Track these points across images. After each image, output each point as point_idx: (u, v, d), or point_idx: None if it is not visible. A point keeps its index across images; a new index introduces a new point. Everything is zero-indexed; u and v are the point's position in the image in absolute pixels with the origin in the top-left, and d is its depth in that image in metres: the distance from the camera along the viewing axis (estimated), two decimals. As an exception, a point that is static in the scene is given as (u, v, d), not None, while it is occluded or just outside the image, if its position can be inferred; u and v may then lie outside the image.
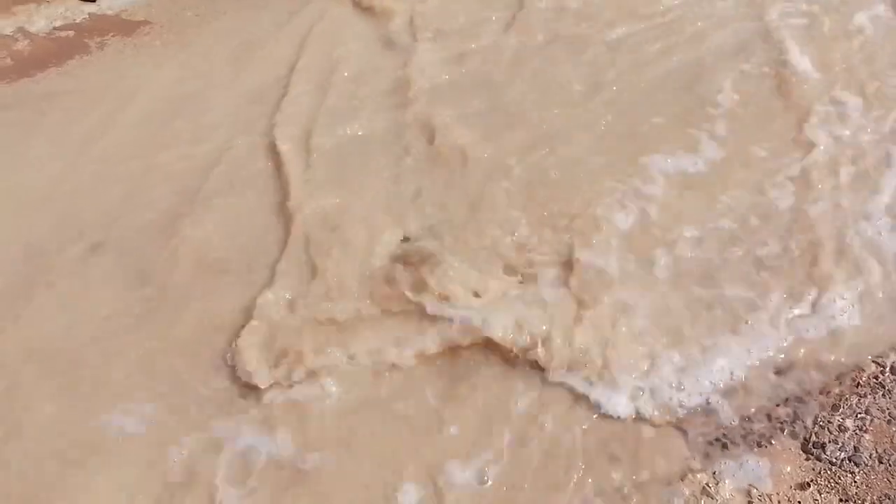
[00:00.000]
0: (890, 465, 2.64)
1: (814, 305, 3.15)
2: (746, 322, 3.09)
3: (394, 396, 2.94)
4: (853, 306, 3.14)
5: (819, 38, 4.56)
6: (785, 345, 3.01)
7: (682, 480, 2.64)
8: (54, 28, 5.23)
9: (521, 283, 3.25)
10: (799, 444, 2.73)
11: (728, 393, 2.87)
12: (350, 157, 3.96)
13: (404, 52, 4.69)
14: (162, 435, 2.86)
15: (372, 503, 2.64)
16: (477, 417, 2.85)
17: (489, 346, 3.01)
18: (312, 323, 3.15)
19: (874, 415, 2.79)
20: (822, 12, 4.73)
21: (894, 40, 4.52)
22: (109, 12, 5.40)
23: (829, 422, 2.77)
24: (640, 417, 2.81)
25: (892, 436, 2.72)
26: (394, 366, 3.02)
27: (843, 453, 2.68)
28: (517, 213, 3.56)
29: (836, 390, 2.87)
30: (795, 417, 2.80)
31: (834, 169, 3.72)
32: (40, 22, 5.27)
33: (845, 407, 2.82)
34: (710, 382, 2.90)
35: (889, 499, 2.55)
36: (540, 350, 2.98)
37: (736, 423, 2.80)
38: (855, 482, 2.60)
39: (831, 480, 2.61)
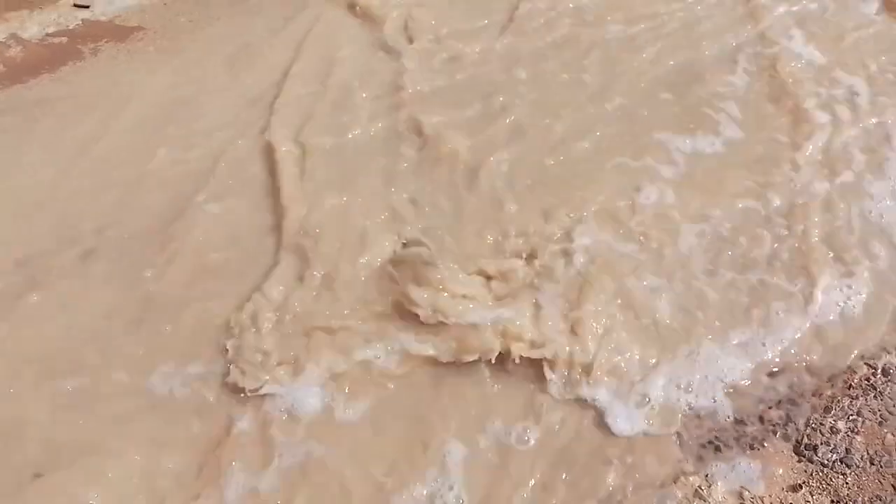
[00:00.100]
0: (881, 467, 2.65)
1: (805, 306, 3.17)
2: (740, 324, 3.11)
3: (383, 403, 2.93)
4: (849, 301, 3.17)
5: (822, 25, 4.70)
6: (778, 347, 3.03)
7: (674, 483, 2.65)
8: (47, 34, 5.23)
9: (519, 285, 3.25)
10: (791, 447, 2.74)
11: (725, 395, 2.89)
12: (345, 161, 3.96)
13: (399, 55, 4.69)
14: (159, 438, 2.86)
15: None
16: (466, 423, 2.85)
17: (483, 352, 3.00)
18: (307, 327, 3.15)
19: (866, 416, 2.80)
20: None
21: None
22: (103, 18, 5.40)
23: (821, 424, 2.79)
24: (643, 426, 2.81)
25: (884, 437, 2.73)
26: (387, 371, 3.01)
27: (834, 455, 2.69)
28: (515, 215, 3.56)
29: (828, 392, 2.89)
30: (788, 420, 2.81)
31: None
32: (33, 28, 5.26)
33: (837, 409, 2.83)
34: (716, 382, 2.92)
35: (880, 500, 2.56)
36: (537, 354, 2.97)
37: (729, 425, 2.81)
38: (846, 483, 2.62)
39: (823, 482, 2.62)
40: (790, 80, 4.32)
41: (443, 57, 4.68)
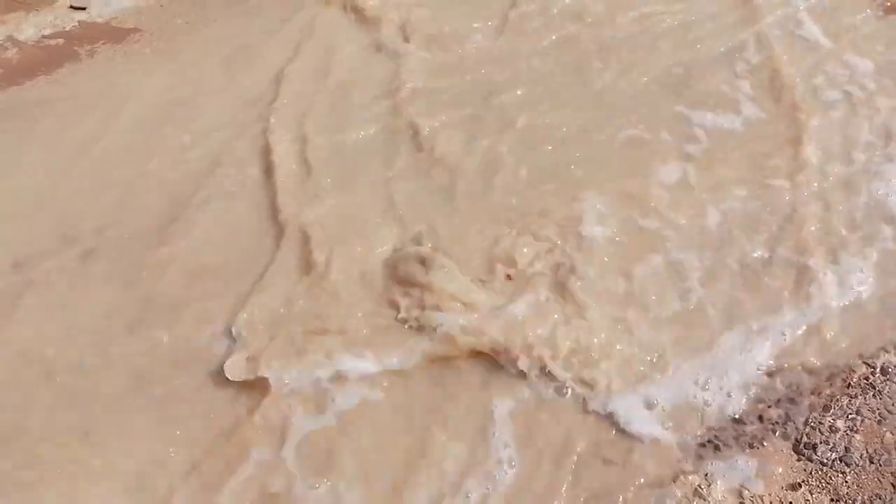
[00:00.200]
0: (880, 465, 2.65)
1: (805, 306, 3.18)
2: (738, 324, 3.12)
3: (384, 406, 2.93)
4: (850, 296, 3.19)
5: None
6: (778, 346, 3.04)
7: (674, 482, 2.65)
8: (43, 36, 5.21)
9: (517, 286, 3.25)
10: (790, 445, 2.74)
11: (723, 394, 2.89)
12: (343, 161, 3.97)
13: (396, 57, 4.69)
14: (157, 441, 2.86)
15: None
16: (468, 425, 2.84)
17: (483, 353, 3.01)
18: (304, 329, 3.15)
19: (865, 415, 2.80)
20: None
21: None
22: (99, 20, 5.39)
23: (820, 423, 2.79)
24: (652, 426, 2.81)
25: (883, 436, 2.74)
26: (386, 374, 3.01)
27: (834, 454, 2.70)
28: (513, 216, 3.57)
29: (827, 391, 2.89)
30: (787, 418, 2.81)
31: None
32: (29, 30, 5.24)
33: (836, 408, 2.84)
34: (733, 380, 2.93)
35: (880, 498, 2.56)
36: (537, 356, 2.97)
37: (728, 424, 2.81)
38: (846, 482, 2.62)
39: (822, 481, 2.63)
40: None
41: (440, 57, 4.68)
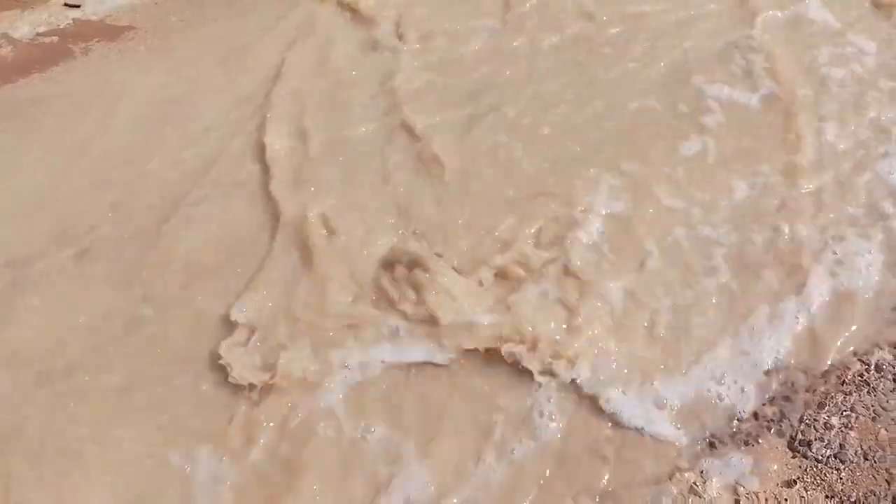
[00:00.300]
0: (875, 462, 2.67)
1: (800, 302, 3.19)
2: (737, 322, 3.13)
3: (379, 403, 2.94)
4: (846, 288, 3.20)
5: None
6: (773, 343, 3.05)
7: (669, 479, 2.66)
8: (38, 34, 5.20)
9: (516, 284, 3.26)
10: (785, 442, 2.76)
11: (722, 393, 2.91)
12: (339, 161, 3.97)
13: (391, 55, 4.69)
14: (157, 440, 2.87)
15: None
16: (464, 423, 2.86)
17: (482, 350, 3.02)
18: (303, 325, 3.15)
19: (859, 412, 2.82)
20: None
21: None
22: (94, 18, 5.37)
23: (815, 420, 2.81)
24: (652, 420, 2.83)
25: (877, 433, 2.76)
26: (384, 371, 3.02)
27: (828, 451, 2.72)
28: (510, 216, 3.57)
29: (822, 388, 2.91)
30: (782, 416, 2.83)
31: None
32: (24, 28, 5.23)
33: (831, 405, 2.85)
34: (716, 378, 2.94)
35: (874, 495, 2.58)
36: (537, 352, 2.99)
37: (723, 422, 2.83)
38: (841, 479, 2.64)
39: (817, 477, 2.65)
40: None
41: (436, 56, 4.68)
